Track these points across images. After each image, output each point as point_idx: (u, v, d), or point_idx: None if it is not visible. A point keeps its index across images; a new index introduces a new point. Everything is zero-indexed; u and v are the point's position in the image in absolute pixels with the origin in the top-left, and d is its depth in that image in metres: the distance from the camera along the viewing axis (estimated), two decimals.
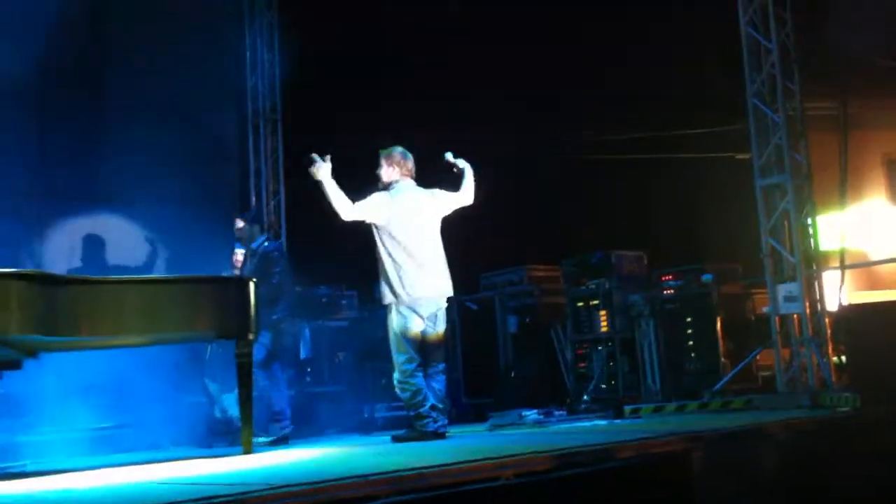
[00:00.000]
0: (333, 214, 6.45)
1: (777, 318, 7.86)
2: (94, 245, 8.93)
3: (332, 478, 3.97)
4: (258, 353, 6.40)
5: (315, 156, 6.34)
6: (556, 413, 7.68)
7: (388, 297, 6.50)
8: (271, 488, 3.79)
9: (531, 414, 7.34)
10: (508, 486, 4.14)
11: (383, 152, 6.70)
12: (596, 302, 9.17)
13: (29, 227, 8.86)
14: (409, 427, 6.47)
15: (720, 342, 8.40)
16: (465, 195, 6.77)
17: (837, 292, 7.83)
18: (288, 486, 3.84)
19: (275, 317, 7.42)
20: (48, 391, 7.01)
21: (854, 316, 7.26)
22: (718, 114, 10.20)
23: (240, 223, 7.77)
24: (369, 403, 8.78)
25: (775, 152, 7.96)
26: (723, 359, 8.34)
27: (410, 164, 6.70)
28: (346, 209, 6.42)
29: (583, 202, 11.79)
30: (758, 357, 8.14)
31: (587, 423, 7.22)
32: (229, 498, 3.62)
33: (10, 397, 6.98)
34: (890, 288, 10.28)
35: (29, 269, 5.54)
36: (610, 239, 9.69)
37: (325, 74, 10.85)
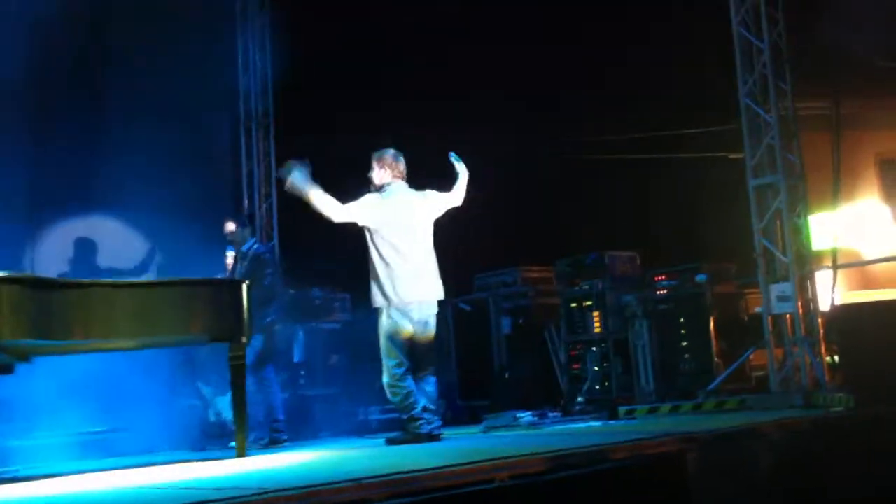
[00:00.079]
0: (325, 217, 6.46)
1: (770, 318, 7.86)
2: (88, 248, 8.90)
3: (326, 481, 3.97)
4: (248, 356, 6.38)
5: (282, 171, 6.38)
6: (551, 415, 7.68)
7: (378, 301, 6.49)
8: (265, 492, 3.80)
9: (526, 416, 7.34)
10: (503, 489, 4.14)
11: (375, 154, 6.70)
12: (590, 303, 9.16)
13: (24, 229, 8.83)
14: (403, 430, 6.46)
15: (713, 342, 8.40)
16: (456, 196, 6.76)
17: (830, 292, 7.84)
18: (282, 490, 3.84)
19: (267, 319, 7.42)
20: (41, 395, 6.99)
21: (847, 315, 7.27)
22: (718, 114, 10.18)
23: (231, 226, 7.76)
24: (363, 406, 8.78)
25: (768, 152, 7.97)
26: (716, 359, 8.33)
27: (402, 165, 6.69)
28: (335, 211, 6.42)
29: (582, 202, 11.78)
30: (751, 357, 8.14)
31: (582, 425, 7.22)
32: (224, 503, 3.62)
33: (3, 402, 6.95)
34: (883, 287, 10.29)
35: (21, 273, 5.53)
36: (609, 239, 9.67)
37: (323, 75, 10.83)
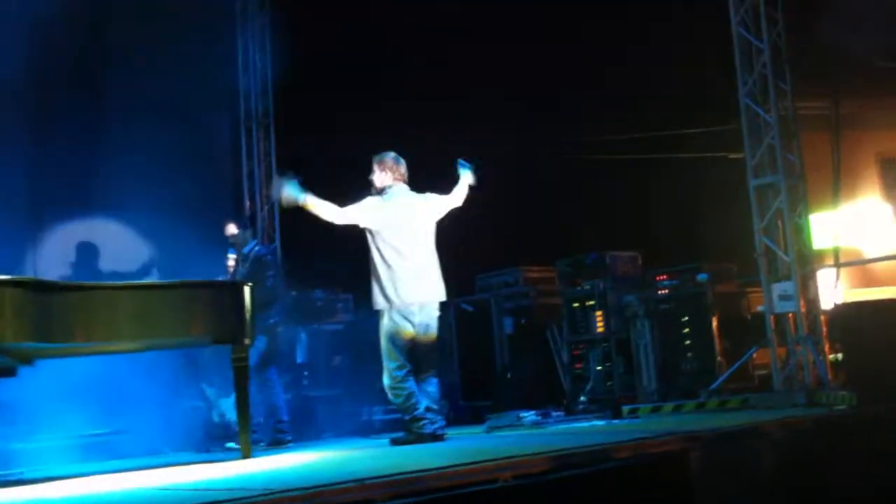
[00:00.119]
0: (327, 222, 6.48)
1: (772, 317, 7.86)
2: (89, 250, 8.90)
3: (330, 482, 3.98)
4: (251, 357, 6.39)
5: (273, 192, 6.41)
6: (554, 414, 7.67)
7: (380, 303, 6.50)
8: (270, 493, 3.80)
9: (529, 415, 7.34)
10: (506, 488, 4.15)
11: (375, 158, 6.71)
12: (591, 303, 9.16)
13: (24, 229, 8.83)
14: (407, 430, 6.46)
15: (716, 341, 8.40)
16: (456, 198, 6.76)
17: (832, 290, 7.85)
18: (286, 490, 3.85)
19: (271, 321, 7.42)
20: (44, 398, 6.98)
21: (849, 314, 7.28)
22: (718, 114, 10.19)
23: (233, 228, 7.76)
24: (367, 406, 8.77)
25: (768, 152, 7.97)
26: (719, 358, 8.33)
27: (403, 168, 6.69)
28: (336, 216, 6.45)
29: (582, 202, 11.78)
30: (754, 356, 8.14)
31: (585, 424, 7.22)
32: None
33: (6, 405, 6.94)
34: (885, 285, 10.31)
35: (23, 276, 5.54)
36: (609, 239, 9.67)
37: (323, 75, 10.84)
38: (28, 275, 6.64)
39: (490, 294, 9.96)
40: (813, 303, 7.81)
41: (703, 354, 8.46)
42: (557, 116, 11.67)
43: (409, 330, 6.45)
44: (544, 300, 9.79)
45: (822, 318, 7.74)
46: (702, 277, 8.63)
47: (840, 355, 7.51)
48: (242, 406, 6.16)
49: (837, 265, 8.01)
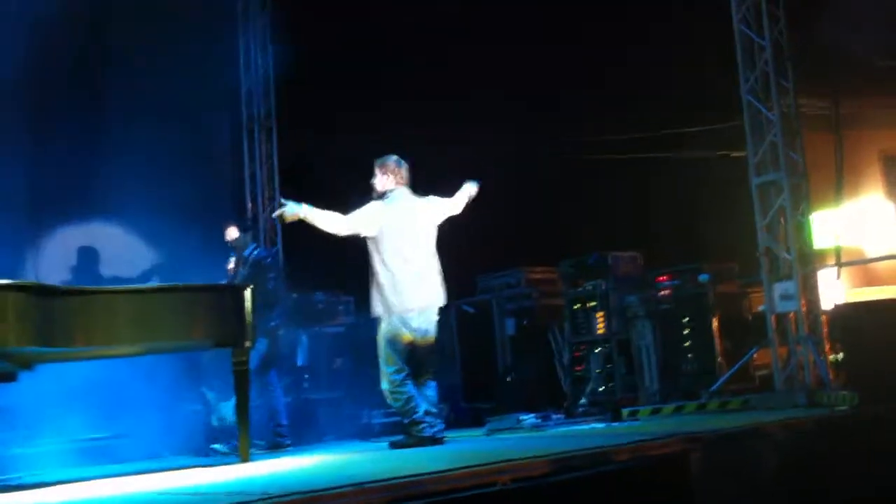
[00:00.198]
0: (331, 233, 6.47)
1: (773, 317, 7.84)
2: (89, 253, 8.90)
3: (329, 486, 3.97)
4: (251, 360, 6.38)
5: (276, 217, 6.45)
6: (554, 417, 7.66)
7: (378, 310, 6.48)
8: (269, 497, 3.80)
9: (529, 418, 7.32)
10: (506, 492, 4.14)
11: (377, 161, 6.69)
12: (593, 303, 9.13)
13: (24, 229, 8.83)
14: (406, 434, 6.46)
15: (717, 342, 8.37)
16: (456, 205, 6.74)
17: (834, 290, 7.82)
18: (285, 494, 3.84)
19: (272, 324, 7.42)
20: (44, 402, 6.99)
21: (851, 313, 7.25)
22: (718, 113, 10.18)
23: (234, 233, 7.76)
24: (367, 409, 8.75)
25: (770, 150, 7.94)
26: (719, 358, 8.31)
27: (405, 172, 6.68)
28: (340, 227, 6.43)
29: (582, 202, 11.77)
30: (755, 356, 8.12)
31: (585, 427, 7.20)
32: None
33: (6, 409, 6.95)
34: (886, 284, 10.29)
35: (25, 281, 5.54)
36: (610, 239, 9.65)
37: (323, 75, 10.84)
38: (29, 279, 6.63)
39: (492, 295, 9.93)
40: (814, 303, 7.79)
41: (703, 355, 8.43)
42: (557, 116, 11.66)
43: (407, 334, 6.44)
44: (546, 301, 9.76)
45: (823, 317, 7.71)
46: (703, 278, 8.59)
47: (841, 355, 7.48)
48: (242, 410, 6.16)
49: (839, 264, 7.99)
